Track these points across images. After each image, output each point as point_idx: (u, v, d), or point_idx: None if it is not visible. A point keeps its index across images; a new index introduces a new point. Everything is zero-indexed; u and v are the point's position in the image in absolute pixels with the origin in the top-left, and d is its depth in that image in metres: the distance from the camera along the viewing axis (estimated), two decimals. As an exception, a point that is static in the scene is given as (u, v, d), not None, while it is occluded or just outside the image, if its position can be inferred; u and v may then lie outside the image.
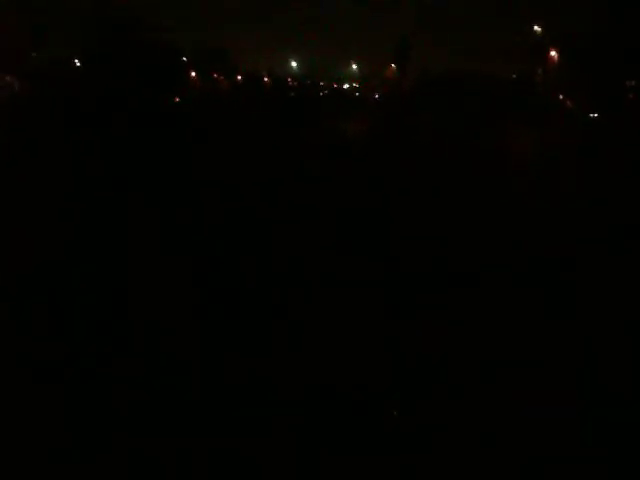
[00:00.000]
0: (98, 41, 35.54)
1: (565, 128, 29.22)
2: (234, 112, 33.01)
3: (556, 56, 34.94)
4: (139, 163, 14.85)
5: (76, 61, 37.75)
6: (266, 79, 47.49)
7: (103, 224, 8.70)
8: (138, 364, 4.40)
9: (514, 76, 38.96)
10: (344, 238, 8.23)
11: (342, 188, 12.32)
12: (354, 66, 48.95)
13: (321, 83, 48.66)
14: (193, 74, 42.13)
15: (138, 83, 33.44)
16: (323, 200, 10.94)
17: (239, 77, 45.16)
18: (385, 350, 4.71)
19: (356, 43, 54.95)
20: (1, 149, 17.13)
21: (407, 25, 49.53)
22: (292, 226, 8.83)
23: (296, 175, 13.74)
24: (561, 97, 34.54)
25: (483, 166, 16.69)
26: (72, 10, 36.13)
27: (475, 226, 9.40)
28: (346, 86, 49.74)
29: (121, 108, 28.64)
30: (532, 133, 28.07)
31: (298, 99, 42.28)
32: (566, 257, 7.48)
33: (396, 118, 32.40)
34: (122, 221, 8.93)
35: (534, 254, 7.61)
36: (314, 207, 10.34)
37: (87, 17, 36.04)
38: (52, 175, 13.20)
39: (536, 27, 35.78)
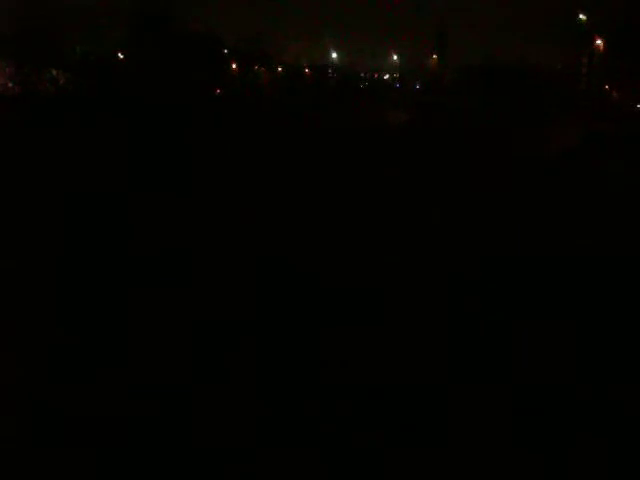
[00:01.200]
0: (141, 34, 35.99)
1: (612, 120, 28.51)
2: (274, 105, 33.11)
3: (602, 45, 34.02)
4: (180, 156, 15.10)
5: (119, 54, 38.38)
6: (307, 70, 47.42)
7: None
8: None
9: (559, 67, 38.16)
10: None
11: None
12: (395, 57, 48.57)
13: (362, 74, 48.39)
14: (234, 66, 42.36)
15: (180, 76, 33.80)
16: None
17: (280, 69, 45.21)
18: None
19: (397, 33, 54.53)
20: (49, 139, 17.64)
21: (448, 14, 48.85)
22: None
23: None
24: (607, 88, 33.68)
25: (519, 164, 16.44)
26: (115, 3, 36.67)
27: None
28: (387, 77, 49.40)
29: (163, 101, 29.03)
30: (577, 126, 27.47)
31: (338, 90, 42.17)
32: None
33: (436, 111, 32.07)
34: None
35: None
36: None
37: (129, 10, 36.52)
38: (96, 163, 13.59)
39: (581, 16, 34.90)
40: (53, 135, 18.87)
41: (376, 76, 49.59)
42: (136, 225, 8.78)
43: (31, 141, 17.76)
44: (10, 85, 35.78)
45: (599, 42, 34.10)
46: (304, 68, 47.64)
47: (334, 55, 48.80)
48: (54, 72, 36.17)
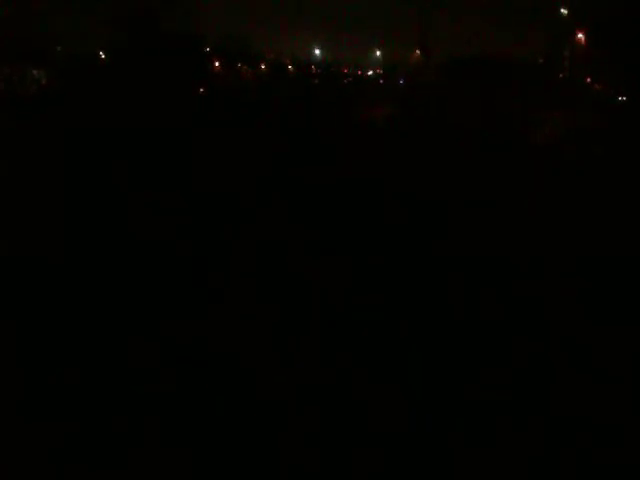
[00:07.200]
0: (122, 34, 35.74)
1: (593, 112, 28.75)
2: (258, 102, 32.99)
3: (583, 39, 34.30)
4: (166, 158, 14.99)
5: (101, 54, 38.07)
6: (290, 67, 47.37)
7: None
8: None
9: (541, 60, 38.40)
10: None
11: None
12: (378, 53, 48.63)
13: (345, 70, 48.44)
14: (217, 64, 42.20)
15: (163, 75, 33.59)
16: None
17: (262, 66, 45.12)
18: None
19: (380, 29, 54.50)
20: (31, 142, 17.44)
21: (431, 9, 48.89)
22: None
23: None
24: (589, 80, 33.96)
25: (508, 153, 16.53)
26: (95, 3, 36.39)
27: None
28: (370, 73, 49.48)
29: (146, 101, 28.84)
30: (560, 118, 27.66)
31: (322, 87, 42.16)
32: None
33: (420, 105, 32.14)
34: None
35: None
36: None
37: (110, 10, 36.27)
38: (78, 167, 13.44)
39: (562, 9, 35.16)
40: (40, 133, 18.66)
41: (359, 73, 49.68)
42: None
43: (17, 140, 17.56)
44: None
45: (580, 35, 34.38)
46: (287, 65, 47.60)
47: (317, 52, 48.81)
48: (35, 72, 35.85)
